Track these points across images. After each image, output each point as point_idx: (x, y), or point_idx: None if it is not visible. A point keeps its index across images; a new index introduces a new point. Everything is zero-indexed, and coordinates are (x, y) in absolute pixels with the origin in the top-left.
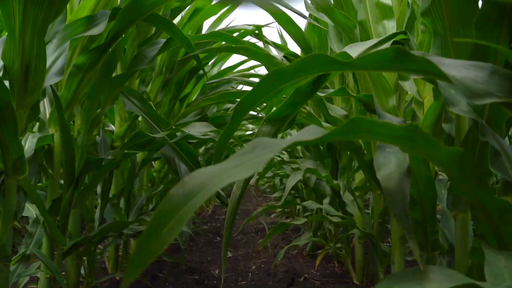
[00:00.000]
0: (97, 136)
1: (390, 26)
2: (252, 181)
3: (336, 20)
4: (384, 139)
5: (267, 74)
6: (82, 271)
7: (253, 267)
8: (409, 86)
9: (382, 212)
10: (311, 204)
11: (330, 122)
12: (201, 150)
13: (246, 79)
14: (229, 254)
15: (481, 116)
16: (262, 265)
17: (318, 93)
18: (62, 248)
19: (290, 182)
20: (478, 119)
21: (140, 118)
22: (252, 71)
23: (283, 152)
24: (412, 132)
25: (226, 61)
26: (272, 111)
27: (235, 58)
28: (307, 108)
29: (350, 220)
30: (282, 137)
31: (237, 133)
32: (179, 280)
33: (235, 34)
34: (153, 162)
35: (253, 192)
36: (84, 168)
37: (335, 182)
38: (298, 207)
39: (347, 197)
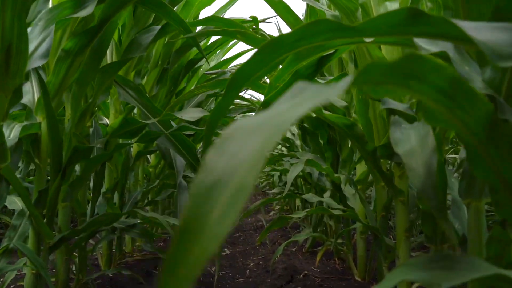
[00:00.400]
0: (90, 129)
1: (393, 8)
2: None
3: (337, 2)
4: (430, 94)
5: (264, 44)
6: (76, 268)
7: (251, 264)
8: None
9: (386, 205)
10: (311, 197)
11: (331, 111)
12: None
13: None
14: (227, 251)
15: (499, 93)
16: (260, 262)
17: (317, 79)
18: (49, 242)
19: (291, 174)
20: (496, 95)
21: (135, 111)
22: None
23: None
24: (455, 88)
25: (224, 54)
26: (269, 94)
27: (233, 52)
28: None
29: (352, 213)
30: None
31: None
32: None
33: None
34: (149, 157)
35: (252, 192)
36: (72, 157)
37: (336, 175)
38: (297, 204)
39: (348, 190)
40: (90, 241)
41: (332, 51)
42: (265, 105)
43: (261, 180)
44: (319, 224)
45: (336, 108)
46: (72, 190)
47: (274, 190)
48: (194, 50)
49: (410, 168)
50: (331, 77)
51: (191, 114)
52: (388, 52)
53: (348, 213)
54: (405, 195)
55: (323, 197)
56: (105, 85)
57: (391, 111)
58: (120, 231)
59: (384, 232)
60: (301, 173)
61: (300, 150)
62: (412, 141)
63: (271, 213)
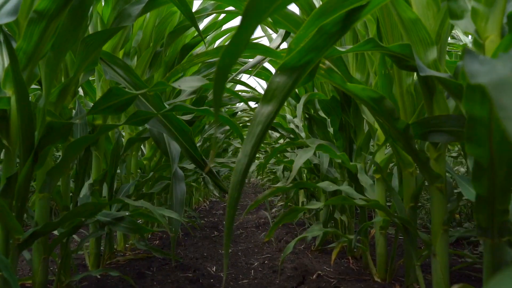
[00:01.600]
0: (73, 111)
1: None
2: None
3: None
4: None
5: None
6: (57, 268)
7: (256, 264)
8: (464, 24)
9: (415, 194)
10: (328, 185)
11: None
12: (198, 142)
13: (242, 59)
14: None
15: None
16: (266, 261)
17: (337, 48)
18: (18, 239)
19: (299, 161)
20: None
21: None
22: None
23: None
24: None
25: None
26: (287, 56)
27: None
28: (326, 62)
29: (377, 204)
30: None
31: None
32: (168, 279)
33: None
34: (143, 149)
35: (250, 189)
36: (46, 136)
37: (351, 163)
38: (302, 199)
39: (364, 180)
40: (76, 237)
41: (364, 2)
42: (283, 69)
43: (261, 177)
44: (329, 219)
45: (357, 82)
46: (50, 179)
47: (279, 184)
48: (190, 34)
49: (501, 106)
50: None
51: (189, 83)
52: (423, 12)
53: (372, 204)
54: (443, 180)
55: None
56: (89, 60)
57: (426, 83)
58: (107, 226)
59: (414, 225)
60: (307, 165)
61: None
62: (500, 71)
63: (273, 210)
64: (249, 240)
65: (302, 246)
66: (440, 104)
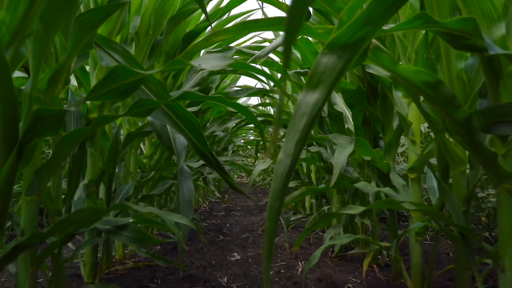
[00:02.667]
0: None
1: None
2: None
3: None
4: None
5: None
6: (48, 282)
7: (271, 273)
8: None
9: (467, 197)
10: (365, 186)
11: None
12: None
13: (250, 51)
14: (237, 256)
15: None
16: (282, 270)
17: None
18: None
19: (340, 157)
20: None
21: None
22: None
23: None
24: None
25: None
26: (338, 31)
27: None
28: (373, 40)
29: (429, 208)
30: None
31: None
32: None
33: None
34: (142, 148)
35: (250, 189)
36: (33, 126)
37: (384, 161)
38: (311, 201)
39: (397, 181)
40: (69, 244)
41: None
42: (332, 47)
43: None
44: (349, 223)
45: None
46: (39, 179)
47: (291, 185)
48: (193, 21)
49: None
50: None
51: (212, 62)
52: None
53: (425, 208)
54: None
55: (348, 196)
56: (83, 42)
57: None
58: (106, 234)
59: (475, 234)
60: (314, 162)
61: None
62: None
63: None
64: (257, 245)
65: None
66: (509, 89)
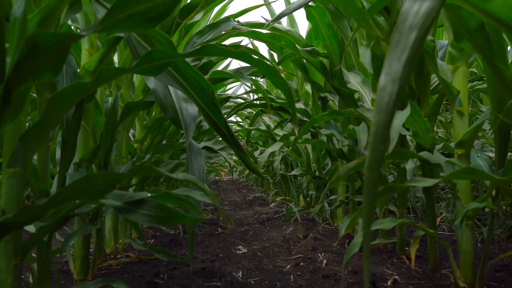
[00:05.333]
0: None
1: None
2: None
3: None
4: None
5: None
6: (33, 279)
7: (288, 266)
8: None
9: None
10: (429, 156)
11: None
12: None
13: (246, 28)
14: (242, 249)
15: None
16: (302, 263)
17: None
18: None
19: (396, 121)
20: None
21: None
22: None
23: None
24: None
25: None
26: None
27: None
28: None
29: None
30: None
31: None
32: None
33: None
34: (130, 136)
35: (230, 185)
36: (25, 59)
37: (430, 135)
38: (311, 192)
39: (440, 158)
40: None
41: None
42: None
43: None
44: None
45: None
46: (25, 148)
47: (293, 172)
48: None
49: None
50: None
51: None
52: None
53: None
54: None
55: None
56: None
57: None
58: (116, 214)
59: None
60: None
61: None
62: None
63: (272, 205)
64: (260, 238)
65: (335, 242)
66: None
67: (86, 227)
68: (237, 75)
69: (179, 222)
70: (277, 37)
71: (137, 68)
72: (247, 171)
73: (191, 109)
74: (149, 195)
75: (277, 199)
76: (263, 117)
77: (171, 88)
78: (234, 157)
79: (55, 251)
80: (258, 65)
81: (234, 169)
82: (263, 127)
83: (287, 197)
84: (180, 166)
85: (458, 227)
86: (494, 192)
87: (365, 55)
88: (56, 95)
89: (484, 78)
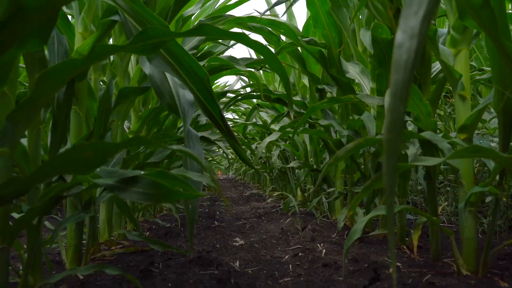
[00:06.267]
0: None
1: None
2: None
3: None
4: None
5: None
6: (22, 266)
7: (286, 257)
8: None
9: None
10: (432, 136)
11: None
12: None
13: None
14: (239, 241)
15: None
16: (300, 254)
17: None
18: None
19: None
20: None
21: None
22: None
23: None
24: None
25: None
26: None
27: None
28: None
29: None
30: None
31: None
32: (186, 277)
33: None
34: (127, 125)
35: (227, 183)
36: (10, 21)
37: (432, 119)
38: (308, 186)
39: (441, 144)
40: (47, 224)
41: None
42: None
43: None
44: (370, 203)
45: None
46: (13, 126)
47: (291, 164)
48: None
49: None
50: None
51: None
52: None
53: None
54: None
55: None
56: None
57: None
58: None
59: None
60: (320, 136)
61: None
62: None
63: (268, 200)
64: (257, 231)
65: (334, 234)
66: None
67: (79, 214)
68: (233, 61)
69: (174, 199)
70: (276, 24)
71: (131, 46)
72: (243, 168)
73: (189, 95)
74: (142, 172)
75: (274, 194)
76: (260, 112)
77: (167, 74)
78: (232, 155)
79: (46, 241)
80: (255, 47)
81: (231, 164)
82: (260, 123)
83: (284, 193)
84: (175, 154)
85: (462, 211)
86: (498, 178)
87: (365, 36)
88: (47, 71)
89: (484, 69)
